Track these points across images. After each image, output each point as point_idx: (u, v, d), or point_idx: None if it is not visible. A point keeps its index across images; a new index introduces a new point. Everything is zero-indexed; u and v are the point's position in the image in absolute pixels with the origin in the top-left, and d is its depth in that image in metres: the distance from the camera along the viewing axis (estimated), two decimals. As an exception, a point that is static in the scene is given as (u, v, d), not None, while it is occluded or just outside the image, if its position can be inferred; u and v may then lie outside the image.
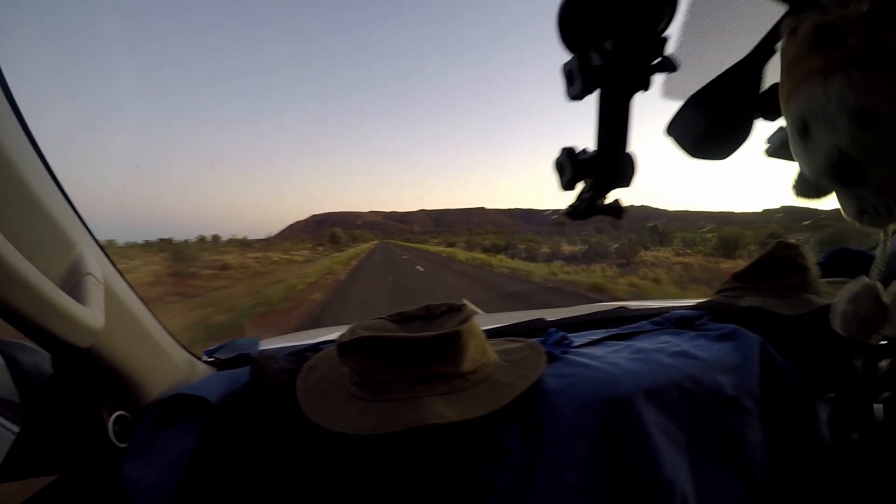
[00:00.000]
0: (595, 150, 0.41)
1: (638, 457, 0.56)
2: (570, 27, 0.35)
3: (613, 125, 0.39)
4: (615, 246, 29.24)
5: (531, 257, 26.93)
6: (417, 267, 19.09)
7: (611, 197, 0.45)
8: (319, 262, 24.20)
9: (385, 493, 0.50)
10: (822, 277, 0.87)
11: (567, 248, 35.55)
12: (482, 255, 28.01)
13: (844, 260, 0.99)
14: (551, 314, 0.98)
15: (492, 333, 0.77)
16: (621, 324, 0.87)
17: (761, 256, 0.85)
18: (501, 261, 22.69)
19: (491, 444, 0.53)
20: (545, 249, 34.39)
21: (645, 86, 0.37)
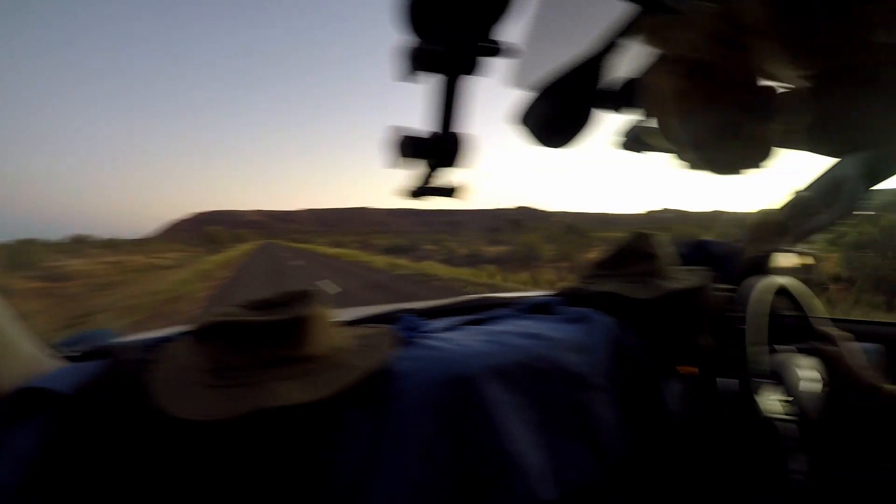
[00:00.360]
0: (426, 130, 0.42)
1: (484, 433, 0.59)
2: (409, 11, 0.35)
3: (444, 107, 0.40)
4: (550, 246, 27.10)
5: (449, 260, 24.99)
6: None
7: (447, 177, 0.46)
8: (181, 271, 19.27)
9: (230, 477, 0.51)
10: (684, 266, 0.97)
11: (492, 250, 32.20)
12: (402, 261, 23.91)
13: (703, 251, 1.16)
14: (417, 305, 1.00)
15: (352, 322, 0.77)
16: (484, 312, 0.90)
17: (618, 244, 0.92)
18: (431, 266, 19.58)
19: (337, 426, 0.55)
20: (463, 251, 32.06)
21: (472, 71, 0.38)
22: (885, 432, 0.98)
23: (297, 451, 0.53)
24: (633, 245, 0.90)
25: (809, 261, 1.30)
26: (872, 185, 1.10)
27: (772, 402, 0.80)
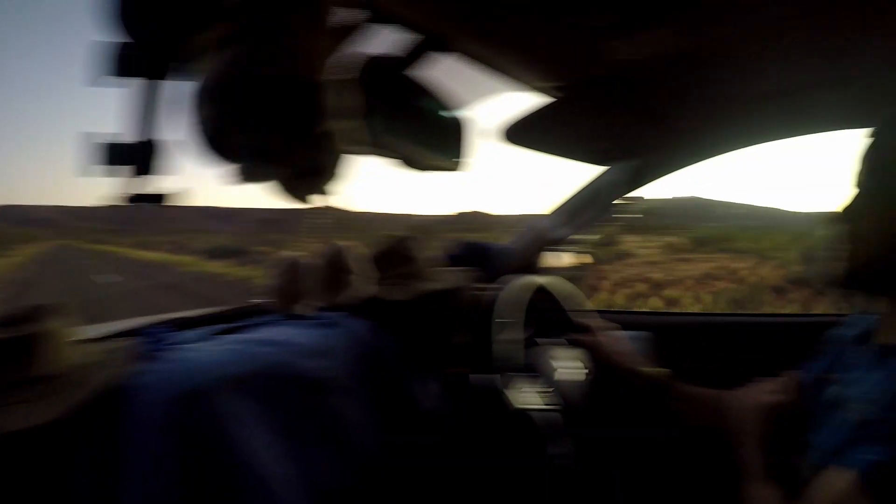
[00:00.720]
0: (125, 137, 0.40)
1: (220, 446, 0.57)
2: (113, 13, 0.35)
3: (143, 113, 0.39)
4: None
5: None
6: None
7: (155, 184, 0.43)
8: None
9: None
10: (454, 266, 1.01)
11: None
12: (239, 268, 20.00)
13: (473, 252, 1.20)
14: (183, 314, 0.93)
15: (97, 338, 0.72)
16: (250, 319, 0.86)
17: (379, 249, 0.93)
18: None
19: (71, 446, 0.53)
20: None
21: (162, 77, 0.38)
22: (650, 413, 1.07)
23: (32, 475, 0.51)
24: (393, 248, 0.92)
25: (580, 260, 1.43)
26: (633, 191, 1.24)
27: (529, 393, 0.84)
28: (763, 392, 0.87)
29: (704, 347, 1.34)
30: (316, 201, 0.44)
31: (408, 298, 0.84)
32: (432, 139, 0.65)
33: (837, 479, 0.58)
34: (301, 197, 0.43)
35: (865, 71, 0.86)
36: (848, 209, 0.68)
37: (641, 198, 1.28)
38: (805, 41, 0.76)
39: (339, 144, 0.40)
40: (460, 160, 0.69)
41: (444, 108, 0.66)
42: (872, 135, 0.69)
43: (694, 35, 0.69)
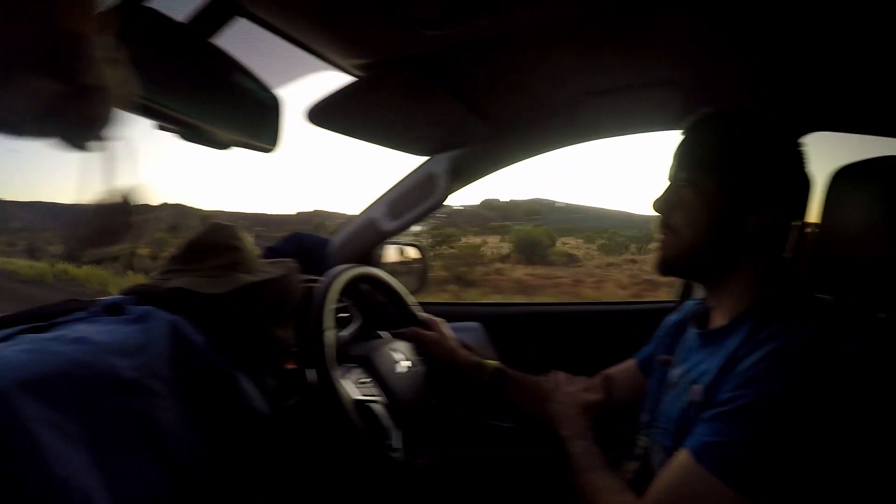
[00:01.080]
0: None
1: (18, 458, 0.51)
2: None
3: None
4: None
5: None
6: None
7: None
8: None
9: None
10: (278, 258, 0.95)
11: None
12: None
13: (299, 243, 1.15)
14: None
15: None
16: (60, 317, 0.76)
17: (194, 237, 0.86)
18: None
19: None
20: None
21: None
22: (483, 402, 1.08)
23: None
24: (211, 238, 0.85)
25: (413, 252, 1.43)
26: (462, 182, 1.25)
27: (361, 387, 0.83)
28: (581, 390, 0.93)
29: (539, 336, 1.38)
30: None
31: (225, 291, 0.78)
32: (236, 114, 0.62)
33: (675, 459, 0.60)
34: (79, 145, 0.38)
35: (680, 74, 0.92)
36: (662, 201, 0.72)
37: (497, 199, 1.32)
38: (620, 42, 0.79)
39: (110, 96, 0.36)
40: (270, 140, 0.67)
41: (254, 84, 0.63)
42: (683, 133, 0.73)
43: (507, 21, 0.69)
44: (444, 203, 1.22)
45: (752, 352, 0.60)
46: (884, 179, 0.70)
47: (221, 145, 0.62)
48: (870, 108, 0.99)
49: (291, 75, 0.75)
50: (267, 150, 0.70)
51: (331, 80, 0.74)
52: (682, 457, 0.59)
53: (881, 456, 0.65)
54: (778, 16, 0.72)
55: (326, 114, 0.79)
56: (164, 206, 0.51)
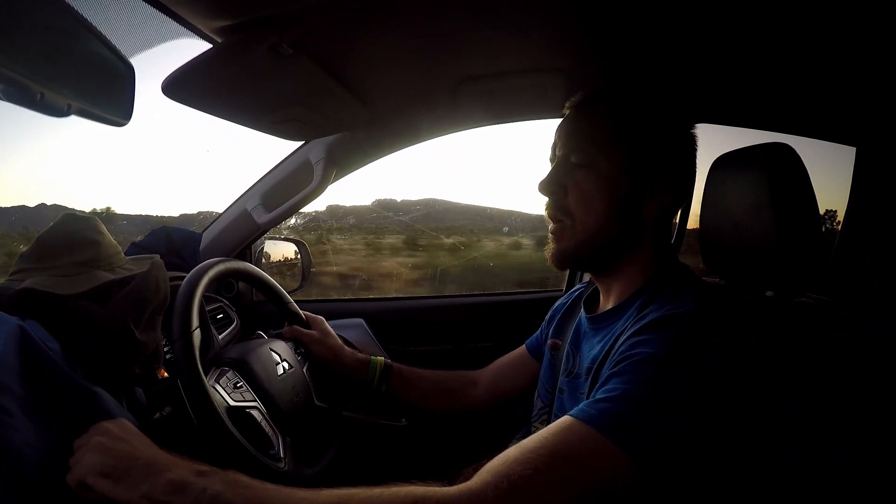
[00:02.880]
0: None
1: None
2: None
3: None
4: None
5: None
6: None
7: None
8: None
9: None
10: (143, 254, 0.88)
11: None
12: None
13: (167, 237, 1.06)
14: None
15: None
16: None
17: (47, 231, 0.76)
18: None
19: None
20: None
21: None
22: (368, 397, 1.04)
23: None
24: (67, 231, 0.76)
25: (292, 248, 1.36)
26: (342, 171, 1.20)
27: (234, 392, 0.77)
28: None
29: (426, 329, 1.36)
30: None
31: (83, 291, 0.70)
32: (82, 78, 0.54)
33: (561, 424, 0.53)
34: None
35: (562, 61, 0.89)
36: (550, 183, 0.69)
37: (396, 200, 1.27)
38: (500, 25, 0.75)
39: None
40: (121, 112, 0.61)
41: (103, 48, 0.56)
42: (571, 110, 0.70)
43: None
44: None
45: (636, 324, 0.58)
46: (761, 166, 0.71)
47: (58, 111, 0.53)
48: (745, 102, 1.05)
49: (148, 41, 0.65)
50: (118, 124, 0.61)
51: (193, 48, 0.66)
52: (561, 420, 0.53)
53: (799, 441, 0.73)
54: (662, 7, 0.70)
55: (184, 86, 0.69)
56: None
